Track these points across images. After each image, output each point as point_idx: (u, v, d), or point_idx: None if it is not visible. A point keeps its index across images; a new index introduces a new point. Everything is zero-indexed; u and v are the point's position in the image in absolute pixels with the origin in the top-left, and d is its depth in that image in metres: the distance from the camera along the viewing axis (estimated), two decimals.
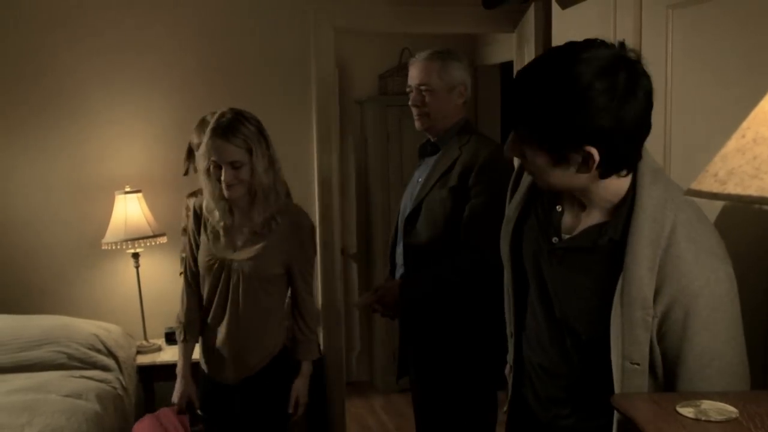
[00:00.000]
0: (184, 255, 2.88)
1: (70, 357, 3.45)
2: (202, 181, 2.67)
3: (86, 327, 3.62)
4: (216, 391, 2.75)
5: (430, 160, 2.82)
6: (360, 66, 5.44)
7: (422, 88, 2.76)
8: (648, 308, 1.57)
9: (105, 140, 3.94)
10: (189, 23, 3.97)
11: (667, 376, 1.63)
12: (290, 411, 2.72)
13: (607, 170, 1.59)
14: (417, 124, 2.83)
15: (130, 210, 3.75)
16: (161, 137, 3.94)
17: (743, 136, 1.16)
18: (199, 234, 2.74)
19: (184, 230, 3.02)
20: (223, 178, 2.57)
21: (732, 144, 1.17)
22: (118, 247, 3.77)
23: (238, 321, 2.67)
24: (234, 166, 2.57)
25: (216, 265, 2.67)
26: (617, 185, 1.65)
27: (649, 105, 1.56)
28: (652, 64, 2.16)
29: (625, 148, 1.56)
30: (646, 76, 1.56)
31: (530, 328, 1.93)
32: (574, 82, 1.50)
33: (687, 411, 1.44)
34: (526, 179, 1.90)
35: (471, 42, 5.59)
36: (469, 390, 2.76)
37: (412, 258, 2.75)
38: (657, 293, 1.57)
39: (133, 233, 3.72)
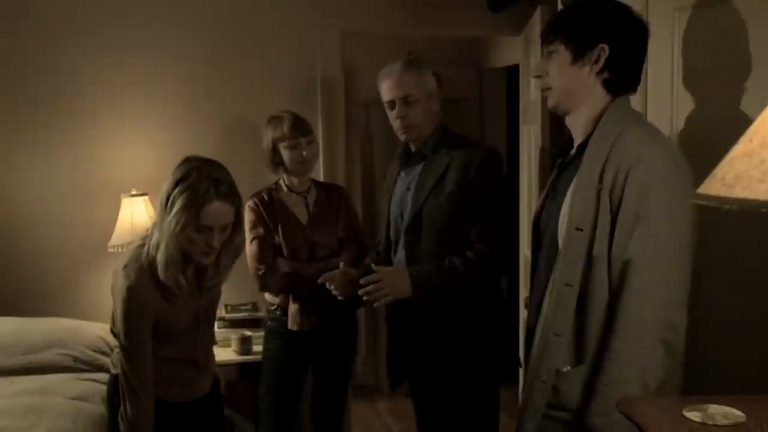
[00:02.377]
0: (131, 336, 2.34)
1: (77, 360, 3.46)
2: (168, 242, 2.29)
3: (92, 330, 3.63)
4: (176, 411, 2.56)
5: (417, 168, 2.79)
6: (366, 68, 5.43)
7: (409, 98, 2.73)
8: (594, 181, 1.85)
9: (110, 143, 3.94)
10: (195, 26, 3.98)
11: (609, 242, 1.83)
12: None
13: (610, 77, 1.95)
14: (403, 137, 2.80)
15: (136, 213, 3.75)
16: (167, 140, 3.94)
17: (751, 140, 1.15)
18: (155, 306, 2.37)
19: (135, 323, 2.35)
20: (215, 243, 2.32)
21: (739, 148, 1.17)
22: (125, 250, 3.76)
23: (210, 356, 2.66)
24: (224, 228, 2.35)
25: (192, 320, 2.50)
26: (599, 103, 1.97)
27: (641, 55, 2.00)
28: (658, 65, 2.17)
29: (625, 64, 1.95)
30: (644, 39, 1.99)
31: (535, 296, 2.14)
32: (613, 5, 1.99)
33: (693, 415, 1.43)
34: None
35: (477, 45, 5.59)
36: (473, 389, 2.75)
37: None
38: (606, 164, 1.84)
39: (139, 236, 3.72)
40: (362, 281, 2.68)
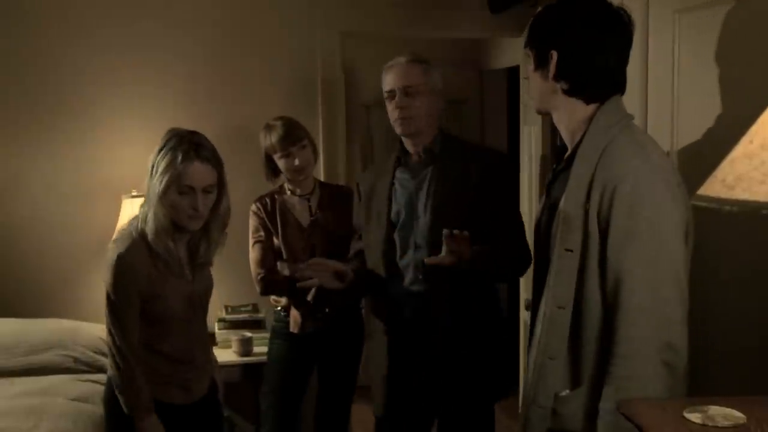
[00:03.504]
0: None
1: (77, 361, 3.45)
2: (156, 208, 2.35)
3: (93, 330, 3.62)
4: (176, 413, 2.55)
5: (426, 170, 2.73)
6: (366, 69, 5.43)
7: (410, 89, 2.68)
8: (582, 200, 1.80)
9: (111, 144, 3.94)
10: (196, 26, 3.98)
11: (600, 261, 1.79)
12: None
13: (568, 84, 1.88)
14: (400, 129, 2.71)
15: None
16: None
17: (751, 142, 1.16)
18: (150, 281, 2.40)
19: (124, 292, 2.40)
20: (199, 205, 2.36)
21: (740, 149, 1.17)
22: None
23: (207, 355, 2.68)
24: (207, 191, 2.38)
25: (186, 306, 2.50)
26: (582, 112, 1.90)
27: (613, 56, 1.88)
28: (659, 67, 2.17)
29: (580, 70, 1.87)
30: (625, 38, 1.89)
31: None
32: (572, 6, 1.91)
33: (694, 417, 1.43)
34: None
35: (477, 46, 5.59)
36: (475, 403, 2.75)
37: (444, 268, 2.60)
38: (593, 182, 1.79)
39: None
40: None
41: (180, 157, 2.32)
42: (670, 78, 2.33)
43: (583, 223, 1.79)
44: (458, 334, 2.67)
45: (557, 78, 1.89)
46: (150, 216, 2.36)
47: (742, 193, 1.12)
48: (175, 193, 2.34)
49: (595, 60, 1.87)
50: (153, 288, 2.39)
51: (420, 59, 2.76)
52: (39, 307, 3.82)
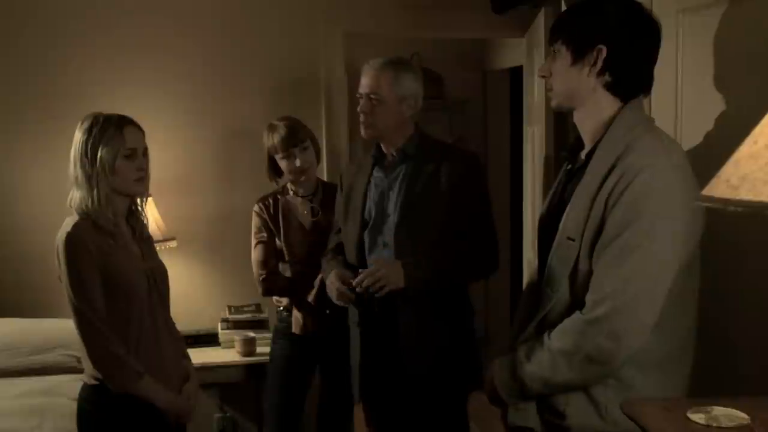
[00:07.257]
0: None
1: (80, 360, 3.46)
2: (100, 182, 2.43)
3: None
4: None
5: (399, 169, 2.79)
6: None
7: (372, 96, 2.74)
8: (593, 192, 1.81)
9: None
10: (199, 27, 3.99)
11: (590, 248, 1.80)
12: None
13: (612, 80, 1.88)
14: (363, 132, 2.80)
15: None
16: (168, 141, 3.94)
17: (755, 142, 1.16)
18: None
19: (81, 264, 2.43)
20: (144, 166, 2.48)
21: (744, 150, 1.17)
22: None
23: (176, 342, 2.66)
24: (144, 154, 2.51)
25: (145, 279, 2.50)
26: (610, 110, 1.90)
27: (649, 55, 1.91)
28: (662, 67, 2.16)
29: (627, 66, 1.88)
30: (657, 37, 1.91)
31: None
32: (611, 4, 1.91)
33: (698, 417, 1.43)
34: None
35: (480, 46, 5.58)
36: (450, 396, 2.77)
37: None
38: (610, 174, 1.79)
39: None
40: (357, 280, 2.66)
41: (117, 125, 2.42)
42: (673, 78, 2.33)
43: (588, 209, 1.81)
44: (423, 328, 2.72)
45: (602, 73, 1.89)
46: (94, 192, 2.44)
47: (746, 194, 1.12)
48: (121, 159, 2.41)
49: (640, 56, 1.90)
50: (107, 258, 2.41)
51: (394, 63, 2.80)
52: (43, 306, 3.82)
